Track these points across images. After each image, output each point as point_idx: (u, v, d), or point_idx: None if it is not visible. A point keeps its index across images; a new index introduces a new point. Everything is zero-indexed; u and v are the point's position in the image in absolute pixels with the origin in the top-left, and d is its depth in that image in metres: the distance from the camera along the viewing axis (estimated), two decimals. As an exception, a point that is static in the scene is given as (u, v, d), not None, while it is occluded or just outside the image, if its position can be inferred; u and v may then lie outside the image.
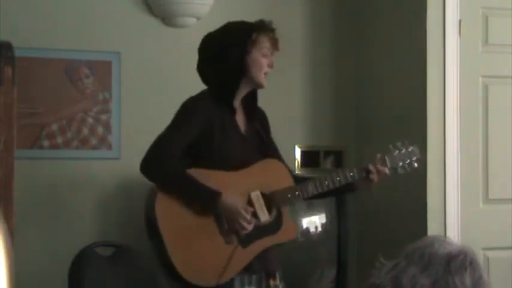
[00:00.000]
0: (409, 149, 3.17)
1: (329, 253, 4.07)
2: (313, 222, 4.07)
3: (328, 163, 4.46)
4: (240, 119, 3.04)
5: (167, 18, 4.17)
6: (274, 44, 3.01)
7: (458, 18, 3.94)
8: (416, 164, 3.18)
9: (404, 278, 1.45)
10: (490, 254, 3.88)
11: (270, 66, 3.00)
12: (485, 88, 3.99)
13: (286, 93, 4.38)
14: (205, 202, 2.84)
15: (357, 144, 4.47)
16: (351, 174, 3.04)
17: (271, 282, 2.96)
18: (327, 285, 4.07)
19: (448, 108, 3.90)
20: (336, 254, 4.05)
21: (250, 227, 2.86)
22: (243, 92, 3.02)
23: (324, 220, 4.07)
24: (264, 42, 2.98)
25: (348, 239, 4.09)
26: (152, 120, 4.05)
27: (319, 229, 4.07)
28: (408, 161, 3.16)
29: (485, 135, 3.97)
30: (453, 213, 3.90)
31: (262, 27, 2.99)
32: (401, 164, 3.15)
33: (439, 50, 3.91)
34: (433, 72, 3.90)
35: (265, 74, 2.99)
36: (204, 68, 3.05)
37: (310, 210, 4.00)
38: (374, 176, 3.05)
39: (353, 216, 4.23)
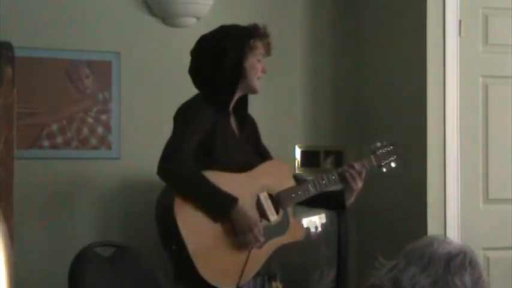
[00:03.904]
0: (389, 149, 3.16)
1: (329, 253, 4.07)
2: (313, 222, 4.07)
3: (328, 163, 4.45)
4: (233, 123, 3.03)
5: (167, 18, 4.16)
6: (268, 49, 3.01)
7: (458, 18, 3.94)
8: (393, 164, 3.15)
9: (404, 278, 1.46)
10: (490, 254, 3.88)
11: (263, 71, 3.00)
12: (485, 88, 3.98)
13: (286, 94, 4.38)
14: (221, 206, 2.81)
15: (357, 144, 4.47)
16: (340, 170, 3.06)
17: (273, 284, 2.96)
18: (327, 285, 4.06)
19: (448, 108, 3.90)
20: (336, 254, 4.05)
21: (261, 240, 2.85)
22: (236, 96, 3.01)
23: (324, 220, 4.07)
24: (259, 48, 2.98)
25: (348, 239, 4.09)
26: (152, 120, 4.06)
27: (319, 229, 4.07)
28: (388, 160, 3.15)
29: (485, 135, 3.97)
30: (453, 213, 3.90)
31: (259, 33, 2.98)
32: (383, 163, 3.14)
33: (439, 50, 3.91)
34: (433, 72, 3.89)
35: (258, 78, 2.99)
36: (199, 72, 3.00)
37: (310, 210, 3.99)
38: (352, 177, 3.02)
39: (353, 216, 4.23)
